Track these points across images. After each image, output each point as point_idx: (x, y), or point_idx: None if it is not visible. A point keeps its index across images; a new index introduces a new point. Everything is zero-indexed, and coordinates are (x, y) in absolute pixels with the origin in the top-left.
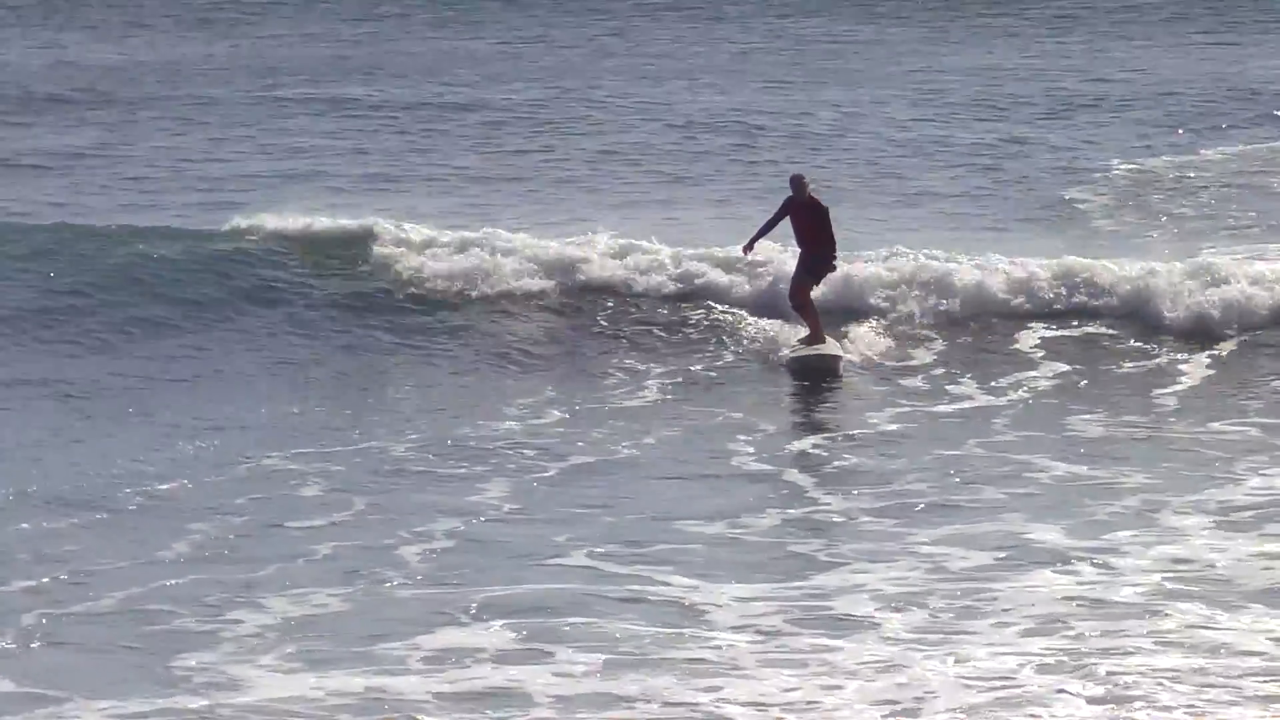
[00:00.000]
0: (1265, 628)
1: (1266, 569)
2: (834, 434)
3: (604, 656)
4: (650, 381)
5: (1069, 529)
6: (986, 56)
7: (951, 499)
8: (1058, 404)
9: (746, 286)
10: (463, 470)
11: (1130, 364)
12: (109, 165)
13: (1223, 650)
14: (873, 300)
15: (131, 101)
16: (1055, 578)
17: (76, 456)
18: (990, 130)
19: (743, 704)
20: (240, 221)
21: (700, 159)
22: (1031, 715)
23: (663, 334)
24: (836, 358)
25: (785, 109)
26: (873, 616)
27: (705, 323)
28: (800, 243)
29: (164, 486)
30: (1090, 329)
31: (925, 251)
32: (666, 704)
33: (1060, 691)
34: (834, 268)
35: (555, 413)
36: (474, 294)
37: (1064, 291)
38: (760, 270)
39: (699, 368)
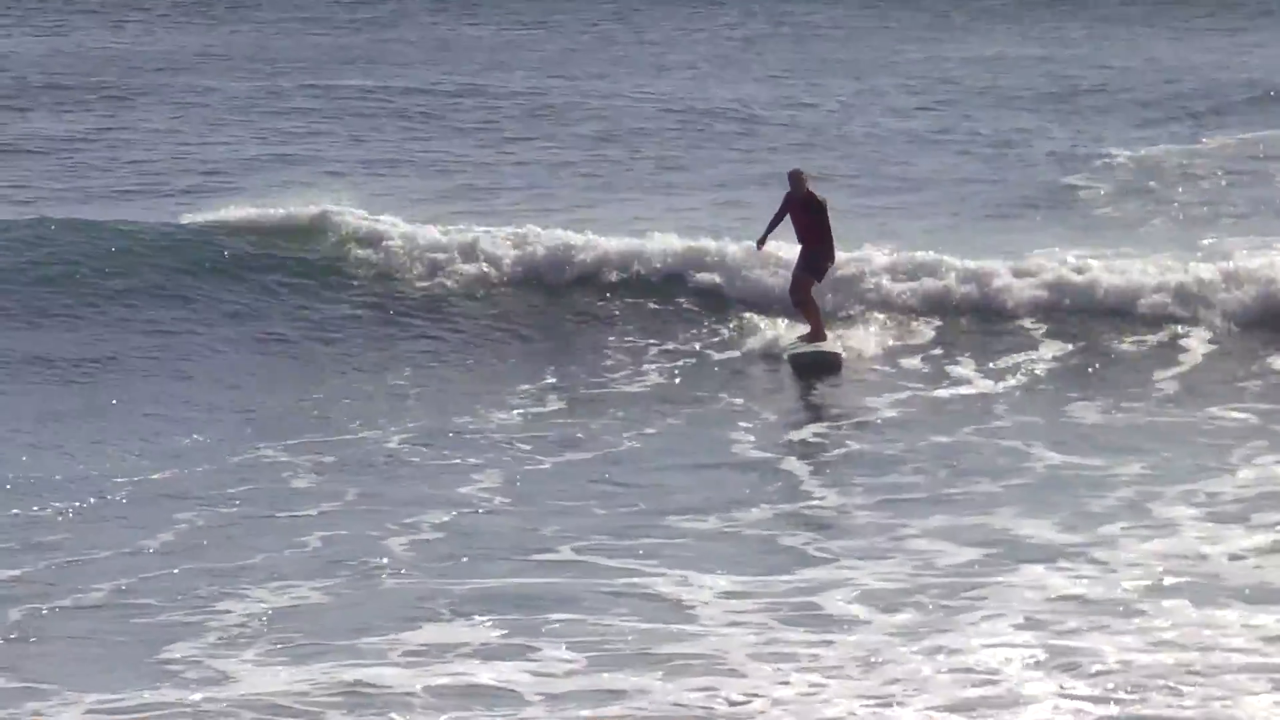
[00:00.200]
0: (1253, 624)
1: (1257, 565)
2: (833, 421)
3: (590, 653)
4: (651, 372)
5: (1061, 523)
6: (988, 45)
7: (945, 491)
8: (1056, 389)
9: (750, 281)
10: (456, 461)
11: (1130, 345)
12: (109, 151)
13: (1210, 648)
14: (872, 296)
15: (127, 89)
16: (1045, 574)
17: (69, 446)
18: (991, 118)
19: (729, 700)
20: (232, 211)
21: (700, 147)
22: (1017, 712)
23: (664, 326)
24: (836, 355)
25: (786, 96)
26: (861, 612)
27: (708, 317)
28: (800, 238)
29: (155, 476)
30: (1090, 316)
31: (927, 251)
32: (654, 700)
33: (1046, 689)
34: (832, 263)
35: (554, 403)
36: (471, 283)
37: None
38: (766, 265)
39: (701, 359)
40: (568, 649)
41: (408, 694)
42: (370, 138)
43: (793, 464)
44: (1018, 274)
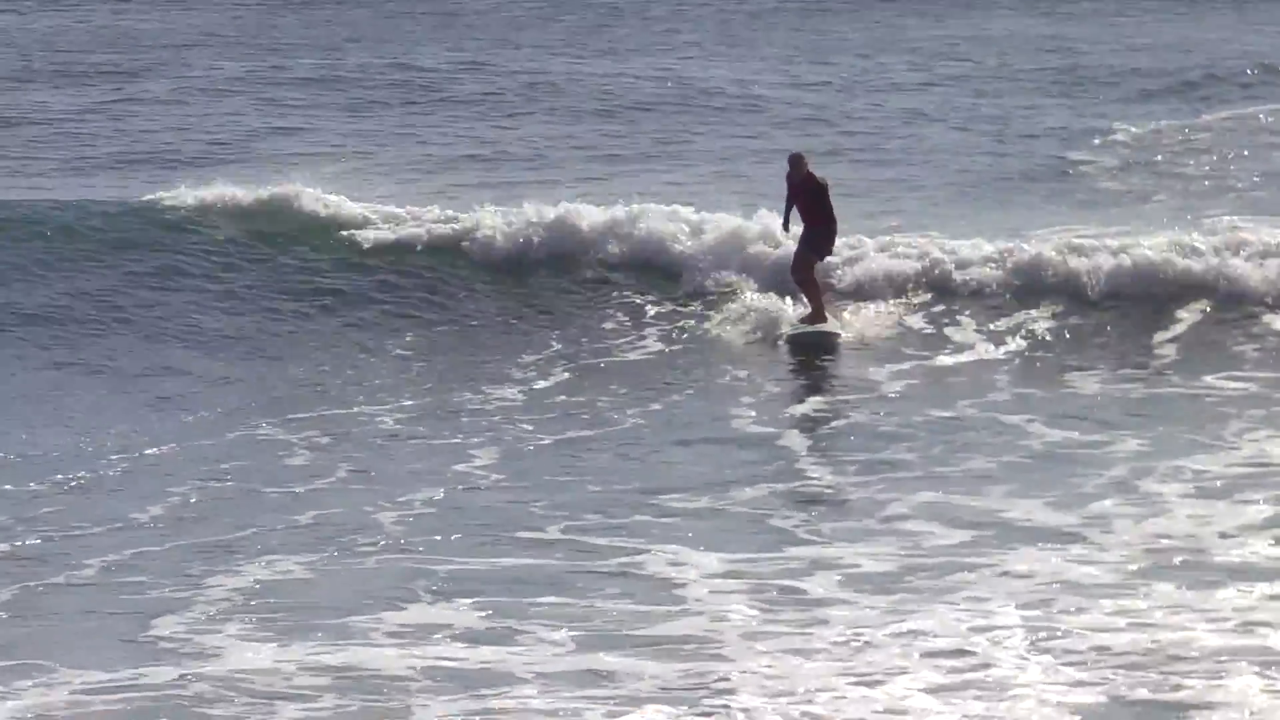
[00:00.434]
0: (1243, 605)
1: (1248, 545)
2: (833, 395)
3: (576, 634)
4: (655, 348)
5: (1053, 502)
6: (992, 21)
7: (939, 469)
8: (1055, 356)
9: (754, 260)
10: (454, 438)
11: (1132, 314)
12: (113, 123)
13: (1199, 630)
14: (874, 276)
15: (133, 66)
16: (1034, 555)
17: (68, 423)
18: (994, 95)
19: (714, 682)
20: (226, 190)
21: (704, 123)
22: (1001, 696)
23: (666, 301)
24: (836, 335)
25: (791, 72)
26: (848, 594)
27: (711, 295)
28: (803, 219)
29: (151, 451)
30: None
31: (929, 230)
32: (637, 681)
33: (1031, 672)
34: (831, 248)
35: (556, 379)
36: (471, 260)
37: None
38: (773, 245)
39: (704, 335)
40: (554, 630)
41: (398, 676)
42: (373, 114)
43: (791, 439)
44: (1019, 251)
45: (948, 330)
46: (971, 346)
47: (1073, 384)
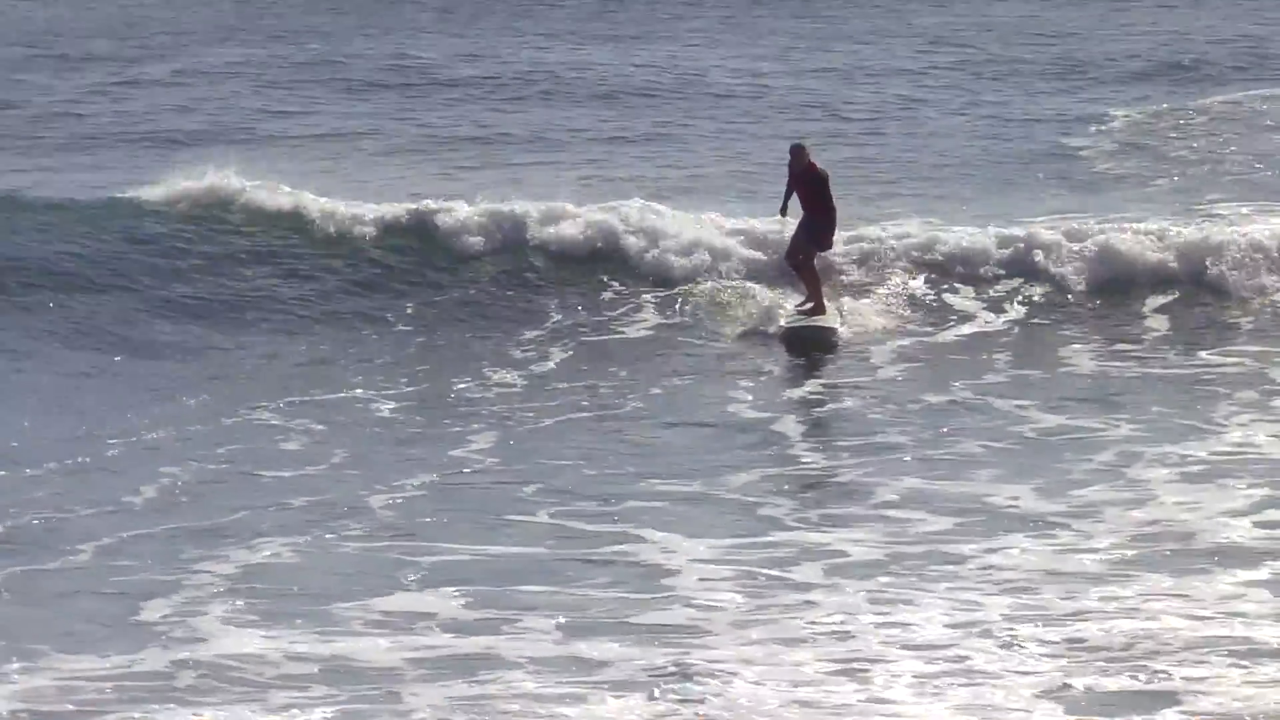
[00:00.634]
0: (1229, 595)
1: (1237, 532)
2: (830, 380)
3: (563, 622)
4: (656, 334)
5: (1043, 488)
6: (990, 8)
7: (931, 455)
8: (1051, 337)
9: (752, 250)
10: (450, 423)
11: (1128, 288)
12: (114, 106)
13: (1184, 619)
14: (873, 263)
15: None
16: (1020, 542)
17: (67, 408)
18: (993, 80)
19: (698, 670)
20: (228, 179)
21: (703, 114)
22: (983, 684)
23: (665, 287)
24: (834, 330)
25: (789, 64)
26: (833, 581)
27: (709, 282)
28: (804, 208)
29: (149, 436)
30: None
31: (929, 219)
32: (620, 668)
33: (1013, 662)
34: (831, 240)
35: (555, 364)
36: (472, 248)
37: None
38: (774, 233)
39: (703, 322)
40: (542, 618)
41: (386, 663)
42: (371, 102)
43: (786, 425)
44: (1016, 235)
45: (945, 312)
46: (968, 326)
47: (1069, 363)
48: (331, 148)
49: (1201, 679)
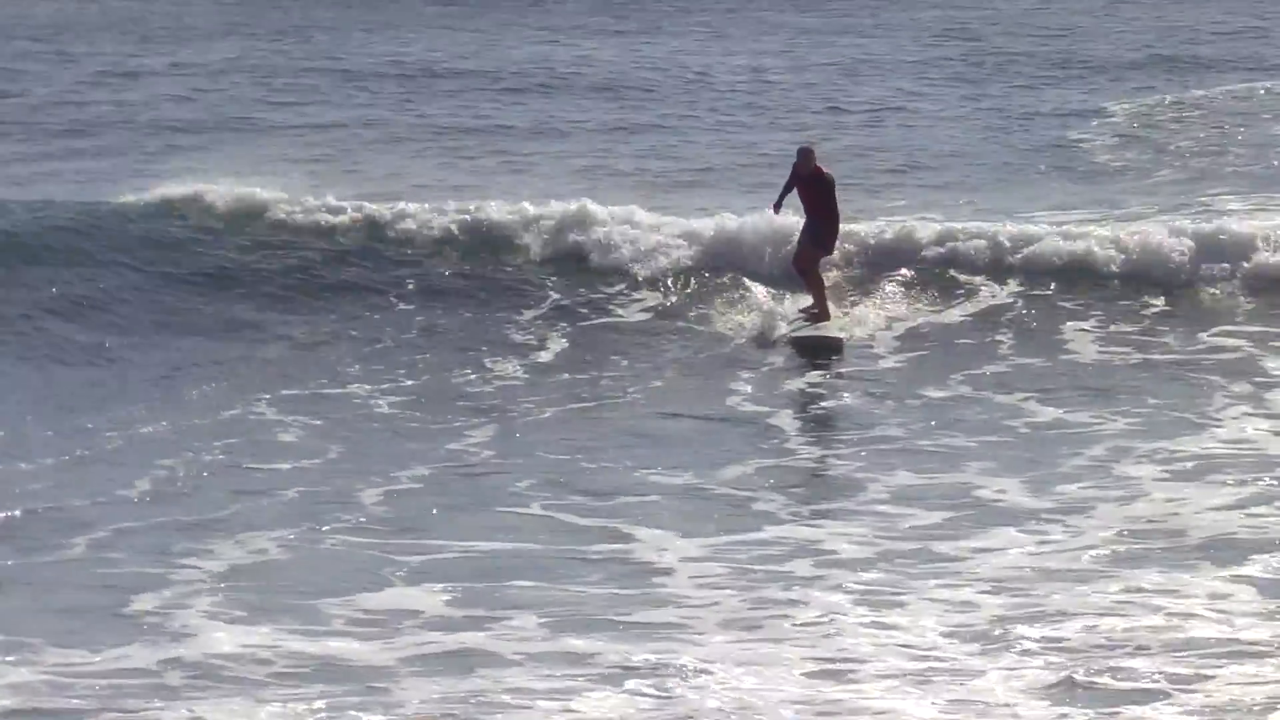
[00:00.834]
0: (1221, 593)
1: (1228, 529)
2: (831, 371)
3: (551, 619)
4: (654, 326)
5: (1032, 484)
6: (988, 1)
7: (926, 449)
8: (1052, 309)
9: (758, 250)
10: (450, 416)
11: (1129, 278)
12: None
13: (1175, 618)
14: (877, 260)
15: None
16: (1011, 538)
17: (67, 401)
18: (992, 75)
19: (684, 667)
20: (211, 185)
21: (707, 104)
22: (972, 682)
23: (672, 294)
24: (839, 339)
25: (791, 59)
26: (824, 578)
27: (713, 285)
28: (807, 211)
29: (146, 429)
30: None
31: (929, 213)
32: (608, 666)
33: (1001, 659)
34: (834, 244)
35: (557, 356)
36: (473, 242)
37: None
38: (778, 234)
39: (707, 320)
40: (530, 614)
41: (376, 660)
42: (378, 100)
43: (784, 419)
44: (1018, 230)
45: (946, 306)
46: (970, 319)
47: (1068, 353)
48: (329, 138)
49: (1191, 676)
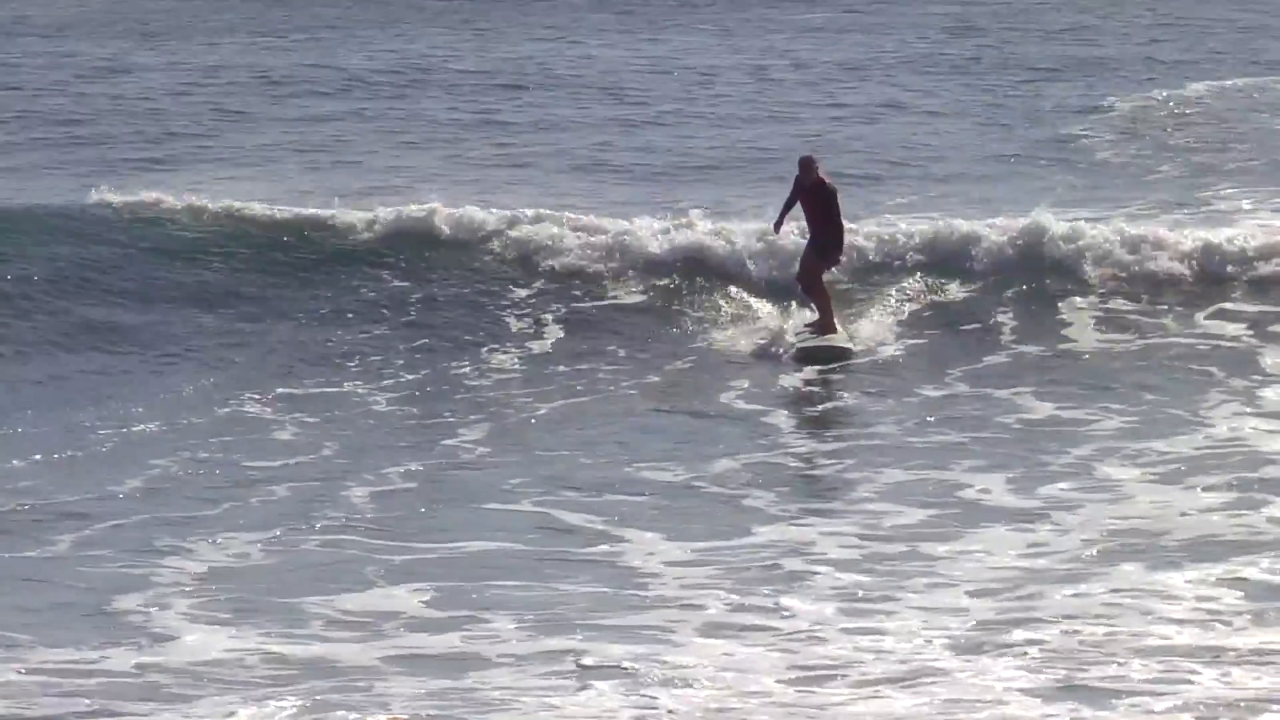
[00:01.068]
0: (1206, 595)
1: (1207, 529)
2: (827, 367)
3: (537, 620)
4: (653, 325)
5: (1019, 484)
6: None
7: (918, 447)
8: (1050, 304)
9: (759, 264)
10: (449, 416)
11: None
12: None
13: (1158, 620)
14: (880, 261)
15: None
16: (1000, 538)
17: (66, 398)
18: (993, 71)
19: (666, 671)
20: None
21: (709, 103)
22: (946, 686)
23: (672, 303)
24: (846, 349)
25: (792, 56)
26: (808, 580)
27: (716, 297)
28: (810, 224)
29: (140, 427)
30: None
31: (936, 212)
32: (587, 668)
33: (984, 662)
34: (839, 256)
35: (555, 352)
36: (473, 241)
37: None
38: (778, 249)
39: (708, 327)
40: (514, 615)
41: (359, 661)
42: (376, 100)
43: (778, 417)
44: (1019, 226)
45: (946, 304)
46: (970, 318)
47: (1066, 348)
48: (326, 135)
49: (1174, 677)
